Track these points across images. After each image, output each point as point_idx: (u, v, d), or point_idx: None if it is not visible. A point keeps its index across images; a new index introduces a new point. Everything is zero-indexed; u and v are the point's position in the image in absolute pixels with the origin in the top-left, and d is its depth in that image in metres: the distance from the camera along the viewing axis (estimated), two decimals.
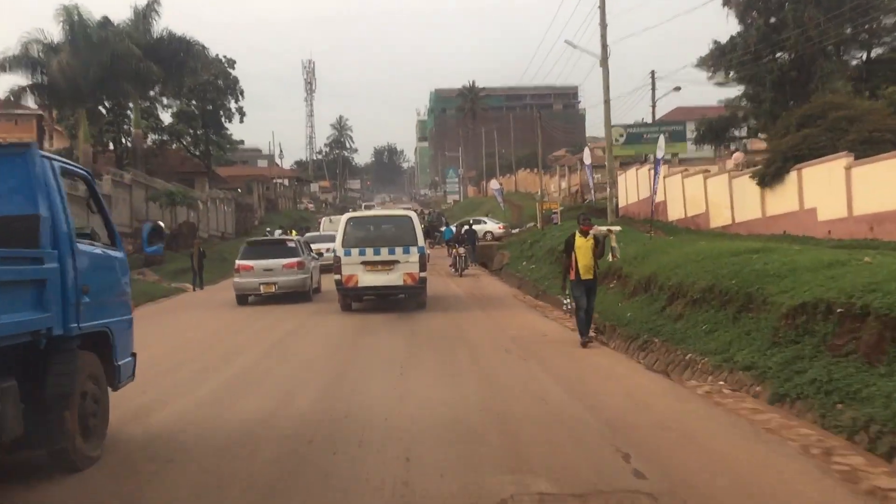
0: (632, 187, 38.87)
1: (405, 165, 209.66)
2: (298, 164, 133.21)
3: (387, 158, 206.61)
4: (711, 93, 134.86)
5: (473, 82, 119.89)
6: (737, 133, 38.91)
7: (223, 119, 60.35)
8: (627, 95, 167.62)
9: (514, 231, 46.89)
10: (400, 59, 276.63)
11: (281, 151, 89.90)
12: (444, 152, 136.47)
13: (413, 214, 18.59)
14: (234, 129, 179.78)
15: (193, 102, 59.16)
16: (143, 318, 12.79)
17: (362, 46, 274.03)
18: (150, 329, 14.10)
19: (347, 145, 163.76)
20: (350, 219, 17.87)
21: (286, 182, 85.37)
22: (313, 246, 27.42)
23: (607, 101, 27.77)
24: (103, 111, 46.31)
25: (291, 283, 20.56)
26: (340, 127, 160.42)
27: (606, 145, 28.93)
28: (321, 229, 39.08)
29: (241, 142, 68.18)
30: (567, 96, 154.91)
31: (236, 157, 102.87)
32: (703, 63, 37.26)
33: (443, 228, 45.66)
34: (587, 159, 32.94)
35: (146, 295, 22.96)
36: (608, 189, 28.56)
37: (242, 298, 20.63)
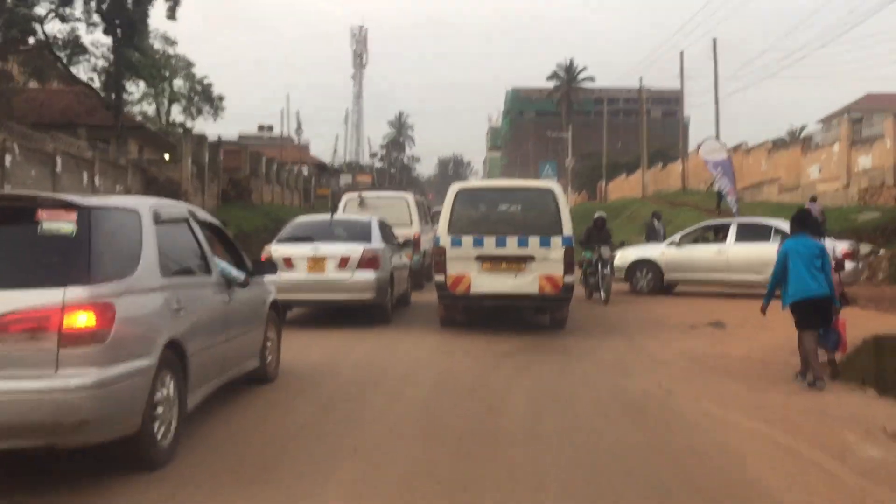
0: None
1: (474, 178, 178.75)
2: (349, 166, 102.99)
3: (452, 171, 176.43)
4: None
5: (571, 60, 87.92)
6: None
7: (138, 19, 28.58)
8: None
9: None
10: (469, 67, 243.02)
11: (299, 125, 58.85)
12: (522, 158, 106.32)
13: (557, 187, 11.22)
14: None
15: None
16: None
17: (425, 55, 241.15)
18: None
19: (407, 148, 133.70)
20: (460, 191, 10.93)
21: (303, 169, 53.91)
22: (289, 251, 11.08)
23: None
24: None
25: None
26: (400, 125, 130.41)
27: None
28: (342, 210, 16.29)
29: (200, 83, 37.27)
30: (668, 101, 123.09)
31: (256, 142, 73.15)
32: None
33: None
34: None
35: None
36: None
37: None
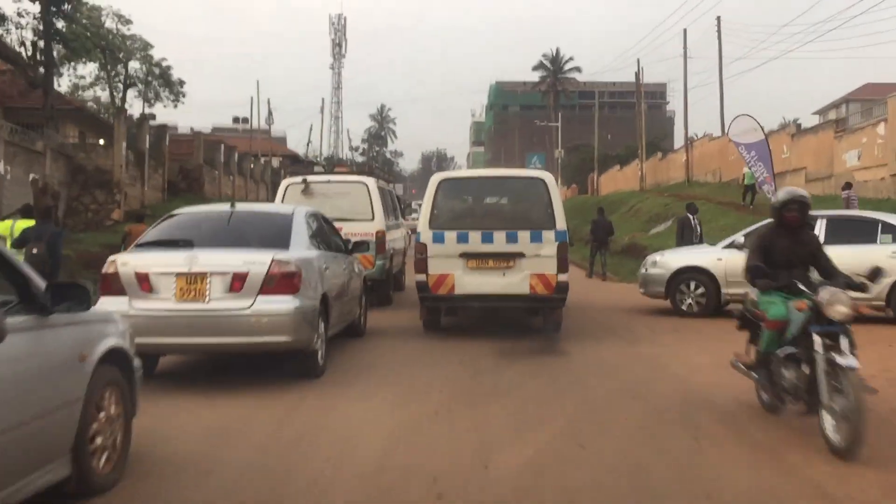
0: None
1: None
2: (328, 159, 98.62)
3: (435, 165, 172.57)
4: None
5: (557, 50, 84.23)
6: None
7: None
8: None
9: None
10: (452, 60, 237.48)
11: (270, 114, 54.49)
12: (507, 153, 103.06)
13: (548, 177, 9.84)
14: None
15: None
16: None
17: (407, 53, 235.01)
18: None
19: (389, 142, 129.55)
20: (443, 181, 9.73)
21: (273, 161, 49.73)
22: (147, 263, 6.45)
23: None
24: None
25: None
26: (381, 118, 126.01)
27: None
28: (280, 199, 11.99)
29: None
30: (653, 95, 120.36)
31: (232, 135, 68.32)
32: None
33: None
34: None
35: None
36: None
37: None
